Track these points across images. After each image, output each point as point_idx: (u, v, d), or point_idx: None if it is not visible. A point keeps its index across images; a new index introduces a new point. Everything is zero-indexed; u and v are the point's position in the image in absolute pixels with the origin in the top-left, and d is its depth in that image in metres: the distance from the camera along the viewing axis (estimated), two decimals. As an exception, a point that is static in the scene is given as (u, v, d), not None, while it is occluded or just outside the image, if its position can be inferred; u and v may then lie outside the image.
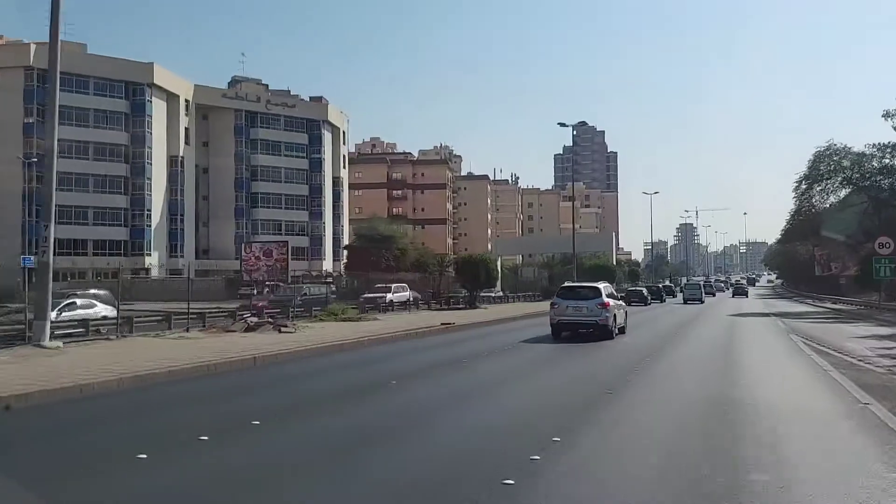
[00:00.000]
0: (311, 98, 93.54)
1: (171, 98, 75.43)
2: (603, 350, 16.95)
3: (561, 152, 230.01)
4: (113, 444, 7.13)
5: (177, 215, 76.00)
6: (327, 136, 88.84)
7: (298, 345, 16.11)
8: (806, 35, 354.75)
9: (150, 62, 73.28)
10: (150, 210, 72.40)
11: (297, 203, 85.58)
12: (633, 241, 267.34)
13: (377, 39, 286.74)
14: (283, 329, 18.78)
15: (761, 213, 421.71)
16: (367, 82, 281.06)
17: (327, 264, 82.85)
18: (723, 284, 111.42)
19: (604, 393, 10.09)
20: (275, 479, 5.71)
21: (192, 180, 78.88)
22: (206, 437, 7.03)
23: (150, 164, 72.57)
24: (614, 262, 74.14)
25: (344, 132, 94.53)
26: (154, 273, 70.59)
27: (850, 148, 51.06)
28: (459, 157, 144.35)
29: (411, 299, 38.26)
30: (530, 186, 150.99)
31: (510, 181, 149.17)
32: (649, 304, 49.56)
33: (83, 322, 17.52)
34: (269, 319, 19.91)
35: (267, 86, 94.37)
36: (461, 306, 38.90)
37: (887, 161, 49.18)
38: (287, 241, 32.23)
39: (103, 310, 20.50)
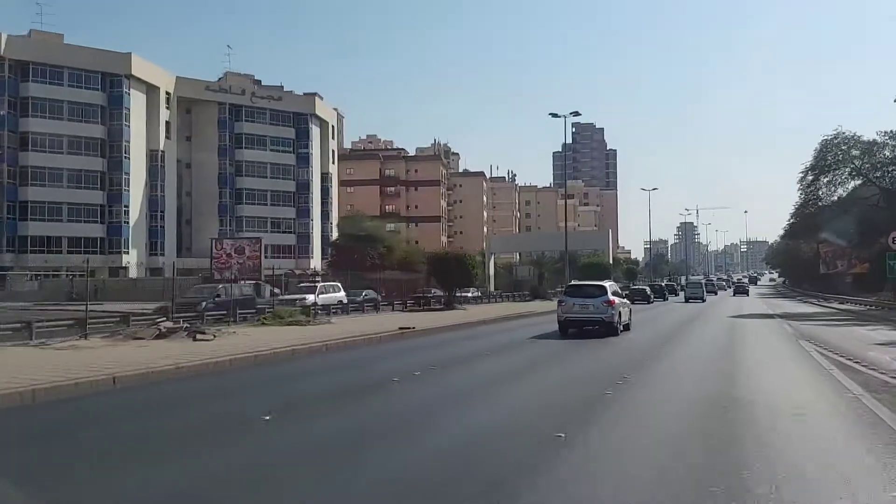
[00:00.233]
0: (305, 94, 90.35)
1: (150, 90, 72.62)
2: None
3: (560, 150, 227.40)
4: None
5: (157, 212, 73.29)
6: (315, 131, 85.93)
7: (193, 357, 12.89)
8: (806, 35, 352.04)
9: (128, 52, 70.45)
10: (127, 206, 69.59)
11: (284, 199, 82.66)
12: (632, 239, 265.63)
13: (375, 38, 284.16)
14: (198, 336, 15.94)
15: (762, 213, 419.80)
16: (364, 81, 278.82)
17: (315, 262, 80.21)
18: (724, 283, 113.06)
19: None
20: None
21: (173, 176, 76.10)
22: None
23: (129, 159, 69.75)
24: (611, 261, 71.62)
25: (333, 126, 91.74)
26: (132, 272, 67.97)
27: (859, 136, 47.98)
28: (457, 154, 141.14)
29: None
30: (528, 184, 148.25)
31: (507, 179, 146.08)
32: (652, 302, 50.26)
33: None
34: (186, 325, 17.07)
35: (253, 76, 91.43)
36: (438, 307, 36.14)
37: None
38: (261, 238, 29.34)
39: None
